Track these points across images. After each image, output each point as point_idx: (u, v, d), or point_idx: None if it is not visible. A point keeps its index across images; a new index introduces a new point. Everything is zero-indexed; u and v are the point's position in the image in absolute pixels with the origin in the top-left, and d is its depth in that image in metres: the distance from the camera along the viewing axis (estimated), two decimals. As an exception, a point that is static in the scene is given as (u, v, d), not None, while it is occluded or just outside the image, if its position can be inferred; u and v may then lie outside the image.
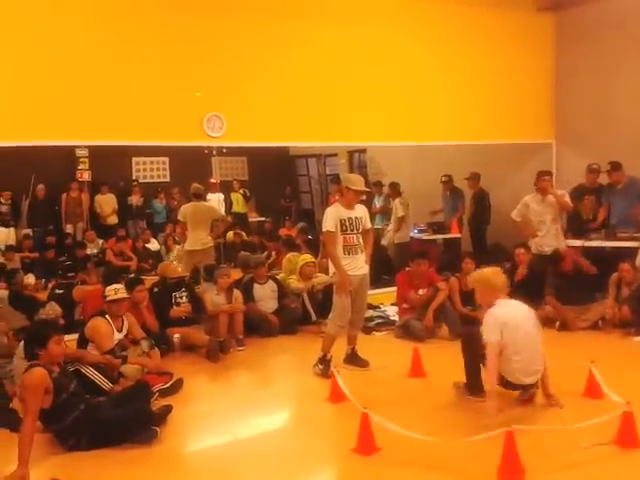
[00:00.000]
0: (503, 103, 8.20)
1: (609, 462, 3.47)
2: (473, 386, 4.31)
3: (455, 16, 7.82)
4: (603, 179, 7.60)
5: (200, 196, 7.73)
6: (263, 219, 11.77)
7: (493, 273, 4.26)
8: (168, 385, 4.85)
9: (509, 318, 4.01)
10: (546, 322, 6.47)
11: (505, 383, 4.12)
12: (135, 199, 10.71)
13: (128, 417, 3.95)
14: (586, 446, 3.57)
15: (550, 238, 7.05)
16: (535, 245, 7.13)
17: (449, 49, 7.86)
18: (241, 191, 11.42)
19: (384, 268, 8.39)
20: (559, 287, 6.54)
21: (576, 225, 7.40)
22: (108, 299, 5.10)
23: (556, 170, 8.33)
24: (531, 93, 8.44)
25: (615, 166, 7.25)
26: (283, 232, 10.66)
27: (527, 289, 6.70)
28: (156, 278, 6.79)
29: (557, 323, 6.42)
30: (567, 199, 7.07)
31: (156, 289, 6.39)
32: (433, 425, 3.94)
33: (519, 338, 4.00)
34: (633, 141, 7.55)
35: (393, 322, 6.74)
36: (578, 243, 7.16)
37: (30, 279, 7.80)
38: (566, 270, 6.59)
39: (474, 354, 4.21)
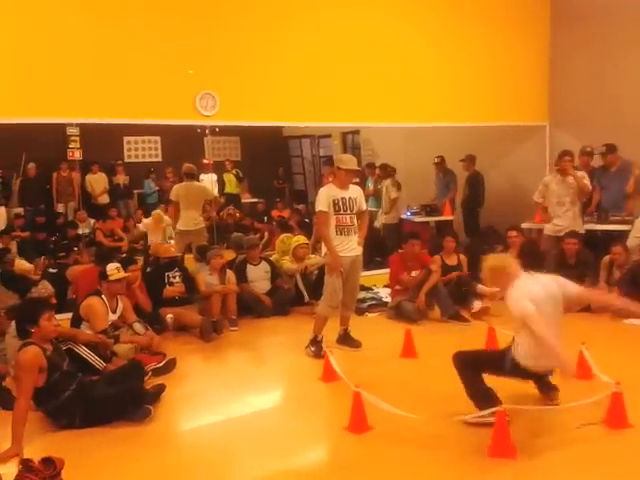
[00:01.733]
0: (498, 85, 8.16)
1: (599, 442, 3.52)
2: (482, 400, 3.65)
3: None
4: (595, 162, 7.61)
5: (193, 176, 7.68)
6: (256, 200, 11.71)
7: (503, 260, 3.98)
8: (161, 364, 4.87)
9: (532, 295, 3.58)
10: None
11: (515, 370, 3.67)
12: (121, 178, 10.63)
13: (121, 395, 3.97)
14: (577, 426, 3.62)
15: (568, 219, 6.99)
16: (551, 226, 7.09)
17: (444, 30, 7.81)
18: (234, 171, 11.35)
19: (377, 250, 8.40)
20: (557, 269, 6.56)
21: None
22: (112, 278, 5.07)
23: (549, 152, 8.32)
24: (525, 75, 8.41)
25: (610, 148, 7.24)
26: (275, 214, 10.63)
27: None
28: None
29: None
30: (587, 181, 6.97)
31: (149, 269, 6.37)
32: (425, 404, 3.97)
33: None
34: (627, 124, 7.54)
35: (386, 304, 6.77)
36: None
37: (24, 265, 7.71)
38: (568, 253, 6.58)
39: (470, 370, 3.74)
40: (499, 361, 3.67)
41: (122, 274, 5.14)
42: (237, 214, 10.55)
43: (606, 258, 6.51)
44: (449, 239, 6.84)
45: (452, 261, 6.75)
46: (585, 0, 8.11)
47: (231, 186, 11.33)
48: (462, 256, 6.88)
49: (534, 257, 6.82)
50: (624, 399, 3.64)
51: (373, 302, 6.91)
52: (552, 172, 7.13)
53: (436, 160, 9.44)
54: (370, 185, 10.06)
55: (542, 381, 3.93)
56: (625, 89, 7.77)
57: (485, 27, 8.02)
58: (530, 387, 3.94)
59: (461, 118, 8.05)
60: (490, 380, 3.73)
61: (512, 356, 3.63)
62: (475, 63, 8.01)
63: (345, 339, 5.46)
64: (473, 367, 3.72)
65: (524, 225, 7.65)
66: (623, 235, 6.71)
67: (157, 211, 9.21)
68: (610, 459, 3.32)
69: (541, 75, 8.57)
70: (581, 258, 6.56)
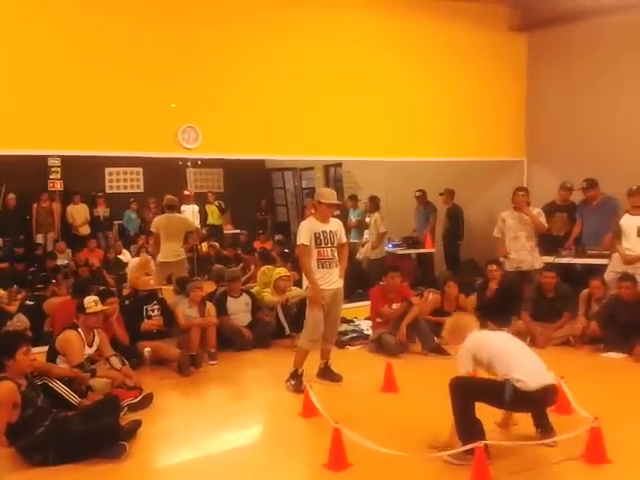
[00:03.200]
0: (477, 120, 8.34)
1: (577, 477, 3.52)
2: (467, 432, 3.56)
3: (432, 34, 7.96)
4: (575, 197, 7.76)
5: (174, 208, 7.68)
6: (238, 231, 11.71)
7: (467, 325, 4.21)
8: (137, 400, 4.77)
9: (481, 342, 3.83)
10: (518, 337, 6.58)
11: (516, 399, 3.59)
12: (101, 210, 10.59)
13: (96, 432, 3.89)
14: (556, 461, 3.62)
15: (525, 254, 7.16)
16: (510, 262, 7.23)
17: (426, 66, 7.99)
18: (216, 203, 11.37)
19: (359, 282, 8.40)
20: (534, 303, 6.63)
21: (547, 242, 7.52)
22: (89, 311, 5.00)
23: (527, 187, 8.47)
24: (504, 112, 8.61)
25: (591, 183, 7.38)
26: (257, 245, 10.63)
27: (498, 305, 6.85)
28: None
29: (528, 339, 6.49)
30: (542, 219, 7.17)
31: (127, 301, 6.30)
32: (405, 440, 3.93)
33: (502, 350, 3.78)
34: (604, 160, 7.71)
35: (367, 336, 6.76)
36: (549, 260, 7.28)
37: (-1, 292, 7.60)
38: (546, 287, 6.66)
39: (466, 396, 3.65)
40: (499, 390, 3.55)
41: (99, 307, 5.08)
42: (217, 247, 10.52)
43: (585, 292, 6.59)
44: (451, 284, 6.92)
45: (451, 307, 6.81)
46: (561, 39, 8.35)
47: (214, 217, 11.33)
48: (462, 296, 6.95)
49: (513, 291, 6.93)
50: (602, 434, 3.64)
51: (354, 335, 6.90)
52: (509, 208, 7.29)
53: (417, 194, 9.55)
54: (352, 217, 10.12)
55: (541, 416, 3.92)
56: (601, 125, 7.97)
57: (465, 65, 8.22)
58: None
59: (441, 153, 8.19)
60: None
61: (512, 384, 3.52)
62: (455, 99, 8.19)
63: (326, 373, 5.42)
64: (469, 394, 3.62)
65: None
66: (601, 269, 6.81)
67: (146, 257, 8.73)
68: (589, 495, 3.31)
69: (518, 112, 8.78)
70: (559, 292, 6.64)
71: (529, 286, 6.88)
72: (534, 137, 8.76)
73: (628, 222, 6.62)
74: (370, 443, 3.53)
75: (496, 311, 6.76)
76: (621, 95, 7.81)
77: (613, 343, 6.05)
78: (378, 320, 6.57)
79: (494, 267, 7.05)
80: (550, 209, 7.62)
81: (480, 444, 3.31)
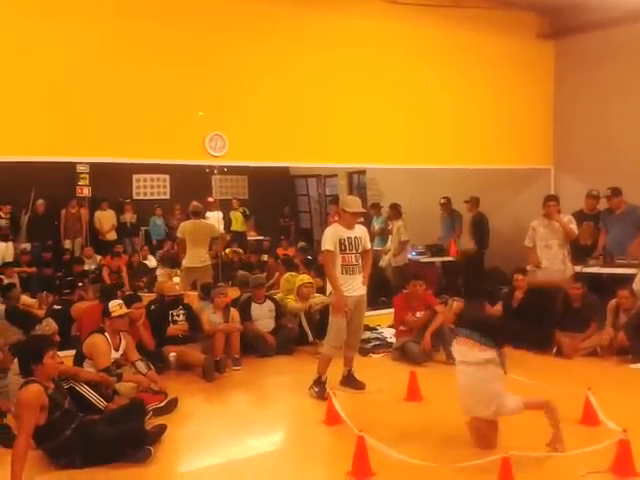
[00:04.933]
0: (502, 128, 8.28)
1: (606, 490, 3.46)
2: None
3: (456, 41, 7.93)
4: (602, 206, 7.65)
5: (199, 214, 7.76)
6: (262, 238, 11.78)
7: None
8: (163, 404, 4.83)
9: None
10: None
11: None
12: (128, 216, 10.74)
13: (122, 436, 3.93)
14: (582, 474, 3.55)
15: (557, 263, 7.04)
16: (542, 271, 7.12)
17: (450, 74, 7.95)
18: (241, 209, 11.46)
19: (382, 290, 8.38)
20: (563, 313, 6.54)
21: (575, 251, 7.41)
22: (114, 314, 5.07)
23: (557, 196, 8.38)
24: (530, 119, 8.53)
25: (615, 192, 7.29)
26: (280, 251, 10.67)
27: (524, 315, 6.76)
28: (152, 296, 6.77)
29: (554, 349, 6.41)
30: (573, 226, 7.04)
31: (153, 306, 6.37)
32: (429, 450, 3.91)
33: None
34: (631, 169, 7.61)
35: (390, 344, 6.73)
36: (577, 269, 7.17)
37: (28, 300, 7.72)
38: (573, 297, 6.57)
39: None
40: None
41: (124, 310, 5.15)
42: (241, 253, 10.59)
43: (612, 302, 6.47)
44: (519, 277, 6.86)
45: None
46: (590, 46, 8.27)
47: (238, 224, 11.42)
48: (487, 305, 6.89)
49: (539, 300, 6.83)
50: (631, 447, 3.57)
51: (377, 342, 6.88)
52: (539, 217, 7.21)
53: (442, 201, 9.50)
54: (375, 225, 10.11)
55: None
56: (629, 134, 7.86)
57: (491, 71, 8.18)
58: (538, 433, 3.88)
59: (466, 161, 8.14)
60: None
61: None
62: (481, 106, 8.14)
63: (349, 380, 5.41)
64: None
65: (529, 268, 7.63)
66: (629, 279, 6.69)
67: (177, 281, 7.74)
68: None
69: (546, 119, 8.70)
70: (586, 302, 6.54)
71: (557, 296, 6.77)
72: (561, 145, 8.67)
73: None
74: (394, 452, 3.52)
75: (521, 320, 6.67)
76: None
77: (642, 354, 5.93)
78: (402, 328, 6.53)
79: (520, 276, 6.96)
80: (578, 218, 7.50)
81: (506, 454, 3.27)
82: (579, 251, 7.45)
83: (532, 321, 6.55)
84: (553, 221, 7.04)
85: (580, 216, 7.59)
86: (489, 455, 3.43)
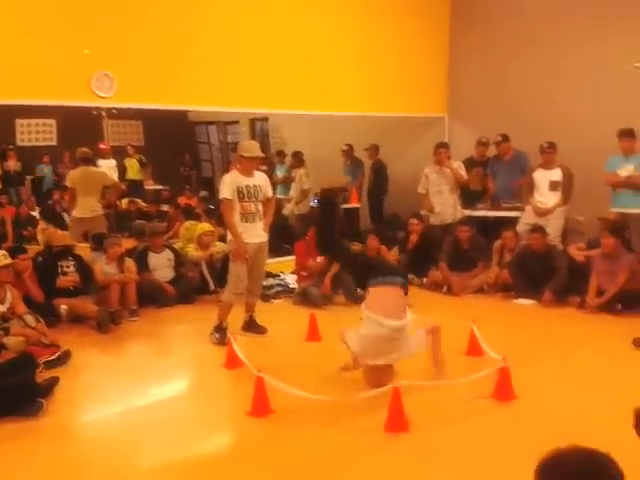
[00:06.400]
0: (401, 76, 8.39)
1: (488, 414, 3.74)
2: None
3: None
4: (491, 153, 8.02)
5: (89, 160, 7.31)
6: (160, 187, 11.37)
7: None
8: (54, 357, 4.64)
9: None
10: (435, 287, 6.87)
11: None
12: (12, 164, 9.98)
13: (11, 389, 3.77)
14: (467, 399, 3.82)
15: (449, 208, 7.41)
16: (435, 216, 7.45)
17: (349, 20, 7.90)
18: (136, 157, 10.93)
19: (285, 237, 8.40)
20: (451, 255, 6.89)
21: (465, 196, 7.78)
22: None
23: (448, 143, 8.67)
24: (427, 69, 8.71)
25: (505, 137, 7.65)
26: (182, 201, 10.38)
27: (417, 256, 7.09)
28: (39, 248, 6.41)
29: (445, 287, 6.78)
30: (463, 172, 7.45)
31: (41, 258, 6.03)
32: (327, 385, 4.05)
33: None
34: (520, 117, 7.98)
35: (292, 290, 6.82)
36: (466, 213, 7.55)
37: None
38: (462, 239, 6.90)
39: None
40: None
41: (8, 261, 4.88)
42: (139, 203, 10.19)
43: (498, 242, 6.90)
44: (372, 237, 7.00)
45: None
46: (485, 1, 8.48)
47: (133, 172, 10.90)
48: (383, 248, 7.05)
49: (432, 243, 7.17)
50: (510, 373, 3.87)
51: (279, 289, 6.94)
52: (431, 164, 7.52)
53: (345, 148, 9.57)
54: (278, 173, 10.04)
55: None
56: (518, 84, 8.22)
57: (390, 21, 8.20)
58: (422, 363, 4.12)
59: (365, 108, 8.20)
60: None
61: None
62: (380, 54, 8.18)
63: (250, 326, 5.45)
64: None
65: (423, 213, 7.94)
66: (514, 221, 7.13)
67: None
68: (498, 429, 3.53)
69: (441, 69, 8.91)
70: (474, 243, 6.93)
71: (447, 238, 7.12)
72: (455, 94, 8.94)
73: (540, 176, 6.94)
74: (291, 389, 3.61)
75: (415, 262, 7.00)
76: (537, 58, 8.05)
77: (523, 290, 6.41)
78: (303, 274, 6.64)
79: (415, 221, 7.25)
80: (468, 164, 7.85)
81: (397, 384, 3.45)
82: (469, 196, 7.84)
83: (423, 261, 6.90)
84: (444, 167, 7.37)
85: (470, 162, 7.94)
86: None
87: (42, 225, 8.40)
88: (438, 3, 8.74)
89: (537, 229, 6.47)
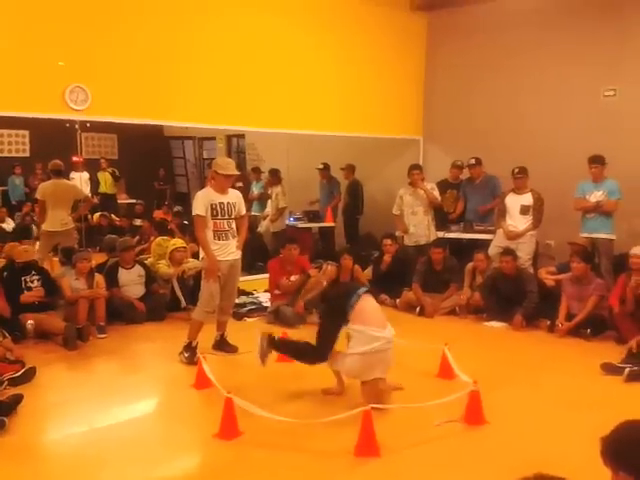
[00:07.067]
0: (378, 98, 8.49)
1: (457, 438, 3.73)
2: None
3: (335, 8, 7.96)
4: (464, 176, 8.13)
5: (60, 173, 7.20)
6: (134, 201, 11.24)
7: None
8: (19, 374, 4.51)
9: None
10: (408, 308, 6.88)
11: None
12: None
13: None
14: (437, 423, 3.81)
15: (423, 229, 7.47)
16: (409, 237, 7.51)
17: (329, 41, 7.99)
18: (110, 170, 10.81)
19: (259, 255, 8.37)
20: (424, 276, 6.92)
21: (438, 218, 7.85)
22: None
23: (422, 165, 8.77)
24: (404, 90, 8.84)
25: (478, 161, 7.78)
26: (159, 215, 10.27)
27: (391, 277, 7.11)
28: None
29: (417, 309, 6.80)
30: (436, 193, 7.55)
31: (6, 273, 5.88)
32: (297, 408, 4.01)
33: None
34: (493, 142, 8.15)
35: (265, 308, 6.77)
36: (439, 234, 7.62)
37: None
38: (435, 261, 6.94)
39: None
40: None
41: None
42: (111, 217, 10.05)
43: (470, 265, 6.96)
44: (346, 257, 6.92)
45: (345, 279, 6.87)
46: (460, 20, 8.66)
47: (107, 186, 10.76)
48: (357, 268, 7.02)
49: (405, 264, 7.20)
50: (480, 397, 3.88)
51: (252, 307, 6.89)
52: (405, 185, 7.60)
53: (321, 166, 9.61)
54: (255, 190, 10.02)
55: None
56: (491, 109, 8.39)
57: (368, 42, 8.33)
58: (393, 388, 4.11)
59: (344, 128, 8.28)
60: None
61: None
62: (358, 77, 8.29)
63: (221, 344, 5.38)
64: None
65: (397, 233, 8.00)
66: (486, 244, 7.21)
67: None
68: (468, 455, 3.52)
69: (417, 92, 9.05)
70: (447, 265, 6.98)
71: (421, 259, 7.17)
72: (430, 116, 9.08)
73: (512, 200, 7.04)
74: (260, 410, 3.56)
75: (389, 283, 7.01)
76: (510, 84, 8.24)
77: (494, 313, 6.46)
78: (276, 292, 6.59)
79: (389, 241, 7.29)
80: (442, 186, 7.95)
81: (368, 407, 3.43)
82: (443, 218, 7.92)
83: (396, 282, 6.92)
84: (418, 189, 7.44)
85: (444, 185, 8.05)
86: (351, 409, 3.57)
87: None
88: (415, 28, 8.90)
89: (508, 252, 6.55)
